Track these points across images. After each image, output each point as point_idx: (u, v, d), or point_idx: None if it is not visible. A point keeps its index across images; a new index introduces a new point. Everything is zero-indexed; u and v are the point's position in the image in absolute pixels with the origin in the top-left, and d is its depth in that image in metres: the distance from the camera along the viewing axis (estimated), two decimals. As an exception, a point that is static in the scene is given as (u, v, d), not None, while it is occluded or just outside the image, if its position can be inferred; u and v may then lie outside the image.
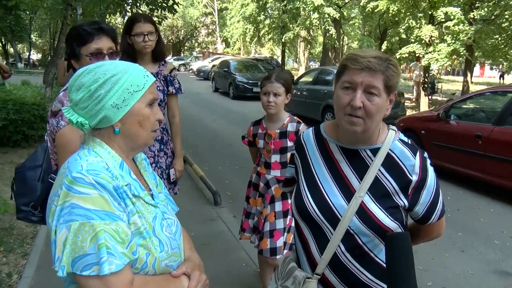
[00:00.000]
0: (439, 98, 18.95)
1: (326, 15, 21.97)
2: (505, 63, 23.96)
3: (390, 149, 1.46)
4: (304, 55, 33.78)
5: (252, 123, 3.13)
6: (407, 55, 14.02)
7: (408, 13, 14.57)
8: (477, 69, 38.95)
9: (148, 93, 1.29)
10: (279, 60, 30.03)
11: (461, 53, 13.27)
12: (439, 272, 4.07)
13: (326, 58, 25.43)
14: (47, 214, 1.21)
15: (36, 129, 7.30)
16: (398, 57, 13.98)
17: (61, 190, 1.15)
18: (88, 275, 1.09)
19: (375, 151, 1.47)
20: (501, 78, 35.38)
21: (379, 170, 1.45)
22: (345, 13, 24.54)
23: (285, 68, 28.39)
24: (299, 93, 12.85)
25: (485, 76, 45.55)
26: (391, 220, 1.43)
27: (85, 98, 1.23)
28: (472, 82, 19.14)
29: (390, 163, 1.45)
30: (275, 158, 2.95)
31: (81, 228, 1.10)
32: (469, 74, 17.28)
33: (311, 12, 22.73)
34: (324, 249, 1.47)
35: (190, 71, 35.50)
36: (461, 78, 21.21)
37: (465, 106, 7.70)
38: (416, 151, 1.46)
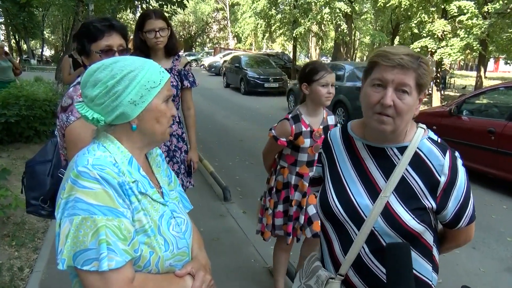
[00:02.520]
0: (451, 93, 18.75)
1: (337, 10, 21.83)
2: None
3: (418, 148, 1.42)
4: (315, 50, 33.65)
5: (290, 120, 2.81)
6: (419, 49, 13.88)
7: (421, 7, 14.42)
8: (491, 63, 38.46)
9: (164, 89, 1.29)
10: (291, 55, 29.91)
11: (475, 48, 13.10)
12: (450, 269, 4.03)
13: (337, 53, 25.27)
14: (56, 207, 1.22)
15: (48, 124, 7.34)
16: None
17: (67, 184, 1.16)
18: (88, 270, 1.10)
19: (402, 150, 1.43)
20: (516, 73, 34.88)
21: (406, 169, 1.40)
22: (356, 8, 24.31)
23: (297, 63, 28.26)
24: (310, 89, 12.80)
25: (500, 70, 44.85)
26: (417, 222, 1.38)
27: (102, 94, 1.22)
28: (486, 77, 18.91)
29: (418, 163, 1.41)
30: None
31: (83, 222, 1.11)
32: (482, 69, 17.08)
33: (322, 7, 22.59)
34: (347, 250, 1.44)
35: (202, 66, 35.59)
36: (474, 73, 20.95)
37: (477, 102, 7.58)
38: (446, 150, 1.41)
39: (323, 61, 2.62)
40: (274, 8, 26.73)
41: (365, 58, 38.10)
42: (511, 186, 6.14)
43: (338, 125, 2.93)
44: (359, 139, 1.52)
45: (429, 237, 1.47)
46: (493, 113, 6.91)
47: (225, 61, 25.50)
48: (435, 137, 1.47)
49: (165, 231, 1.29)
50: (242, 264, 3.86)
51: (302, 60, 44.66)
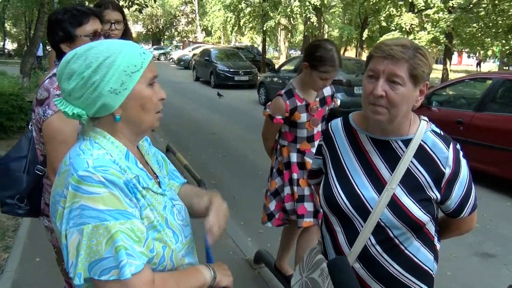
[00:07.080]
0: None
1: (307, 3, 21.91)
2: (481, 52, 24.39)
3: (422, 140, 1.43)
4: (284, 43, 33.68)
5: (283, 96, 2.70)
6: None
7: (389, 1, 14.66)
8: (455, 57, 39.58)
9: (147, 71, 1.17)
10: (260, 48, 29.87)
11: (441, 41, 13.44)
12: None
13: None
14: (52, 215, 1.14)
15: (15, 120, 7.14)
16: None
17: (67, 191, 1.07)
18: (107, 280, 1.04)
19: (406, 142, 1.44)
20: (478, 66, 36.04)
21: (411, 161, 1.42)
22: (325, 1, 24.46)
23: (266, 56, 28.24)
24: (280, 81, 12.88)
25: (463, 64, 46.24)
26: (424, 213, 1.41)
27: (79, 86, 1.11)
28: (450, 70, 19.42)
29: (423, 155, 1.43)
30: (317, 128, 2.78)
31: (95, 231, 1.04)
32: (448, 62, 17.52)
33: (292, 0, 22.63)
34: (353, 242, 1.45)
35: (171, 60, 35.21)
36: (440, 66, 21.49)
37: (446, 93, 7.78)
38: (449, 143, 1.43)
39: (330, 50, 2.41)
40: (243, 1, 26.60)
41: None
42: (479, 175, 6.32)
43: (338, 99, 2.91)
44: (363, 132, 1.53)
45: (431, 228, 1.51)
46: (461, 104, 7.10)
47: (194, 55, 25.26)
48: (437, 130, 1.49)
49: (172, 222, 1.25)
50: (220, 257, 3.76)
51: (271, 54, 44.73)
